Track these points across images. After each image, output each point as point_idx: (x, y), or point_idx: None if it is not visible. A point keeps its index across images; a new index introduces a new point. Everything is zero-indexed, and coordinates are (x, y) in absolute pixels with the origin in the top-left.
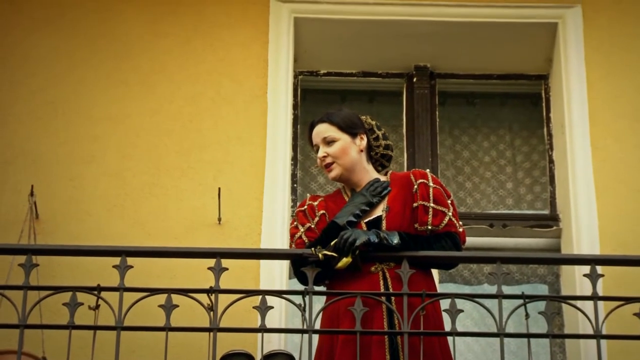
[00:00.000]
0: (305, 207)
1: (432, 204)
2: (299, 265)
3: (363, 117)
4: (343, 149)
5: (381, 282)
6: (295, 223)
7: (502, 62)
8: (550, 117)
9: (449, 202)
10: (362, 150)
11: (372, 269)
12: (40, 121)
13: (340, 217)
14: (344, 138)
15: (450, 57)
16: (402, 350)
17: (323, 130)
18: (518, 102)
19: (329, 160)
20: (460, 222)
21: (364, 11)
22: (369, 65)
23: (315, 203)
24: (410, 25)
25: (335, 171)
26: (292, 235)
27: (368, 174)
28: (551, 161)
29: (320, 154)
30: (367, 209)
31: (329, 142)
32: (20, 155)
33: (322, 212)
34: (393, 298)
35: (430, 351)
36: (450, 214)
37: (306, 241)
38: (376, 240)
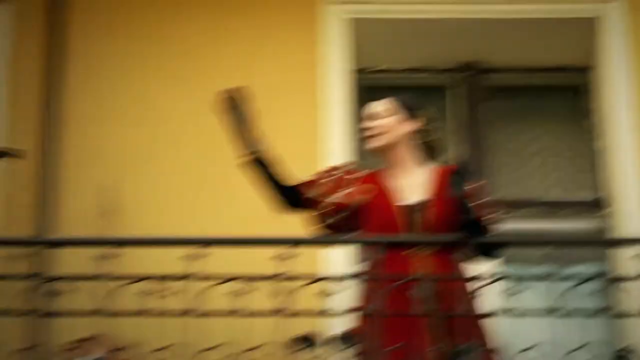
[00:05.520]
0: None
1: (473, 199)
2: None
3: (426, 107)
4: (391, 125)
5: (421, 265)
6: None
7: (546, 55)
8: (594, 107)
9: (488, 198)
10: (410, 134)
11: (411, 252)
12: (119, 120)
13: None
14: (396, 116)
15: (496, 53)
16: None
17: (380, 103)
18: (563, 94)
19: (374, 131)
20: (498, 215)
21: (414, 10)
22: (419, 61)
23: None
24: (458, 23)
25: (375, 143)
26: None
27: (411, 158)
28: (596, 150)
29: (368, 123)
30: None
31: (380, 115)
32: (96, 154)
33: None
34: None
35: (476, 332)
36: (490, 209)
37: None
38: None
